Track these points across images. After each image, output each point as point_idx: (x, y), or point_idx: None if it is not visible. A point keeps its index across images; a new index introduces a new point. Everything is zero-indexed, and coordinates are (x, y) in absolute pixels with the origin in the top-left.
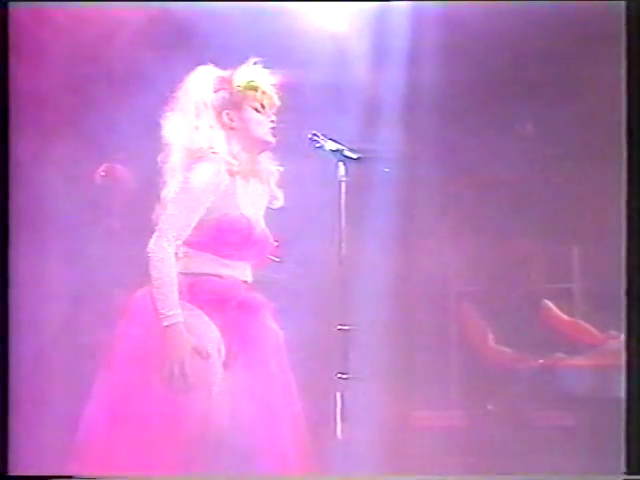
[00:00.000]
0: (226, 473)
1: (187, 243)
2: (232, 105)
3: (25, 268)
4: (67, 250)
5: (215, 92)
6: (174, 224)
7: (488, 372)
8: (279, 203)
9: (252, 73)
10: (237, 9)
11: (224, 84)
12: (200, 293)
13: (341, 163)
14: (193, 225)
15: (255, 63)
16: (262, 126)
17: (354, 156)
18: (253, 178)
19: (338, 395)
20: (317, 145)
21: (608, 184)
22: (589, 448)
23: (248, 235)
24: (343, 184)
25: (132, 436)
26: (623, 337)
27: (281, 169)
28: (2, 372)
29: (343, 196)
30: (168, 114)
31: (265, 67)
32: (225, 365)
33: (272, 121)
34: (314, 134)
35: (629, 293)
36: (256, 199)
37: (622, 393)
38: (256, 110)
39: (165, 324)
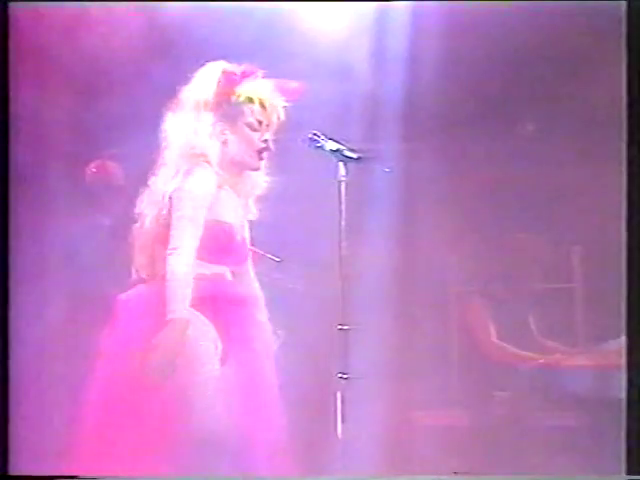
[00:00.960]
0: (226, 473)
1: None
2: (227, 119)
3: (25, 268)
4: (67, 249)
5: (216, 96)
6: (187, 239)
7: (488, 373)
8: (252, 217)
9: (254, 86)
10: (237, 9)
11: (226, 89)
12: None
13: (341, 163)
14: (201, 231)
15: (262, 75)
16: (251, 145)
17: (354, 156)
18: (235, 188)
19: (338, 395)
20: (317, 145)
21: (608, 184)
22: (589, 448)
23: (229, 242)
24: (343, 184)
25: (126, 435)
26: (624, 337)
27: (265, 184)
28: (2, 372)
29: (343, 196)
30: (170, 113)
31: (271, 79)
32: (221, 361)
33: (265, 140)
34: (314, 134)
35: (629, 293)
36: (238, 207)
37: (622, 393)
38: (250, 127)
39: (169, 317)
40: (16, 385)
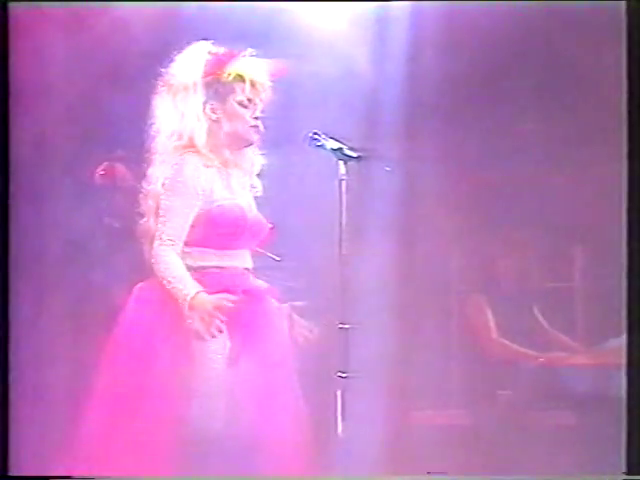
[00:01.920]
0: (226, 473)
1: (184, 241)
2: (217, 97)
3: (25, 267)
4: (68, 249)
5: (204, 77)
6: (171, 227)
7: (488, 371)
8: (258, 193)
9: (244, 64)
10: (237, 8)
11: (215, 69)
12: (203, 287)
13: (341, 162)
14: (190, 222)
15: (251, 55)
16: (244, 123)
17: (354, 155)
18: (235, 168)
19: (339, 393)
20: (317, 144)
21: (609, 183)
22: (589, 448)
23: (243, 221)
24: (343, 183)
25: (133, 434)
26: (624, 336)
27: (263, 161)
28: (2, 372)
29: (344, 195)
30: (158, 97)
31: (262, 59)
32: (230, 359)
33: (257, 117)
34: (314, 133)
35: (629, 292)
36: (242, 187)
37: (623, 392)
38: (241, 105)
39: (188, 298)
40: (16, 385)
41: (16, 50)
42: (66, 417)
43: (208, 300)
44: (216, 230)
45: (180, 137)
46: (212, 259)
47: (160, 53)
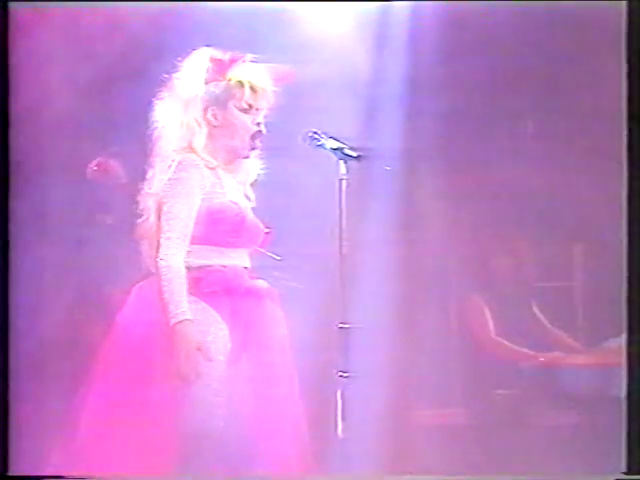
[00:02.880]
0: (226, 473)
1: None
2: (218, 103)
3: (25, 267)
4: (68, 249)
5: (206, 84)
6: (176, 227)
7: (488, 372)
8: (251, 204)
9: (244, 69)
10: (237, 8)
11: (216, 76)
12: (205, 286)
13: (341, 161)
14: (193, 223)
15: (252, 60)
16: (244, 128)
17: (355, 154)
18: (234, 173)
19: (339, 393)
20: (317, 143)
21: (609, 183)
22: (589, 448)
23: (241, 220)
24: (344, 182)
25: (132, 433)
26: (624, 337)
27: (260, 169)
28: (2, 372)
29: (344, 194)
30: (160, 101)
31: (264, 64)
32: (231, 358)
33: (258, 123)
34: (314, 132)
35: (629, 293)
36: (240, 190)
37: (622, 392)
38: (242, 110)
39: (173, 322)
40: (16, 385)
41: (16, 50)
42: (66, 417)
43: (192, 336)
44: (217, 227)
45: (181, 140)
46: (212, 257)
47: (160, 53)
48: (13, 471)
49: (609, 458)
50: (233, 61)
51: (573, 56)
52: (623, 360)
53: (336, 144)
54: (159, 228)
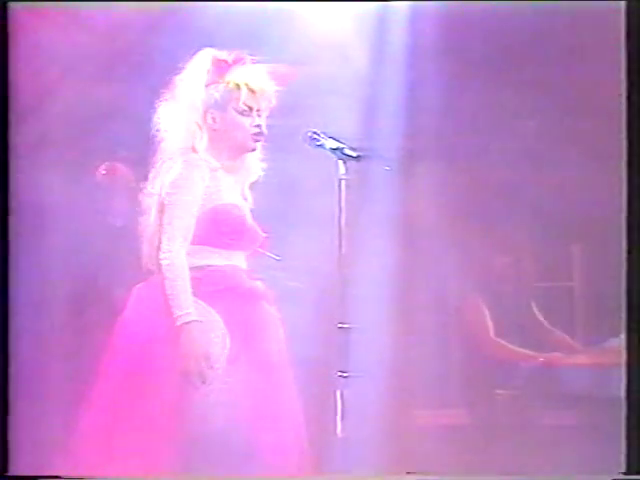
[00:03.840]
0: (225, 473)
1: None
2: (217, 105)
3: (25, 266)
4: (68, 249)
5: (207, 86)
6: (179, 226)
7: (487, 372)
8: (249, 204)
9: (243, 71)
10: (236, 8)
11: (216, 78)
12: (204, 285)
13: (341, 161)
14: (194, 223)
15: (252, 61)
16: (243, 130)
17: (354, 154)
18: (235, 175)
19: (338, 393)
20: (317, 143)
21: (608, 183)
22: (589, 448)
23: (242, 222)
24: (343, 182)
25: (132, 434)
26: (623, 337)
27: (261, 171)
28: (2, 372)
29: (343, 194)
30: (163, 102)
31: (264, 64)
32: (229, 359)
33: (258, 125)
34: (314, 132)
35: (629, 293)
36: (240, 192)
37: (622, 392)
38: (240, 112)
39: (179, 323)
40: (16, 385)
41: (16, 50)
42: (66, 417)
43: (200, 338)
44: (216, 228)
45: (183, 142)
46: (211, 258)
47: (160, 53)
48: (13, 471)
49: (609, 458)
50: (233, 63)
51: (573, 56)
52: (623, 360)
53: (336, 144)
54: (161, 227)
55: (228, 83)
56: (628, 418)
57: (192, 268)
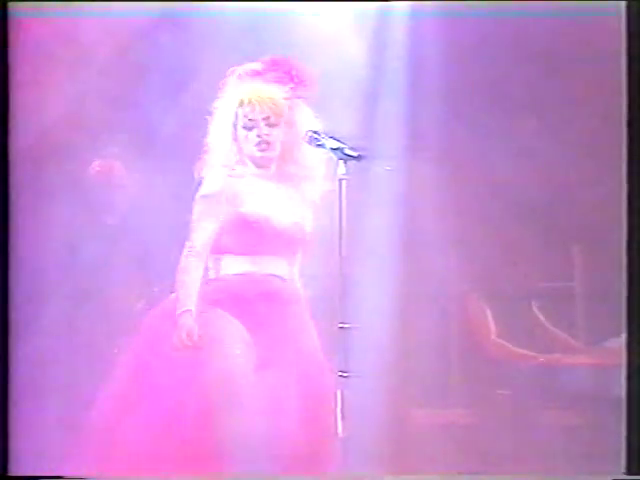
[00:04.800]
0: (225, 473)
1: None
2: (230, 120)
3: (25, 267)
4: (68, 249)
5: (228, 100)
6: (198, 238)
7: (488, 372)
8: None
9: (248, 85)
10: (236, 8)
11: (231, 93)
12: (230, 294)
13: (341, 161)
14: (214, 232)
15: (260, 72)
16: (249, 143)
17: (355, 154)
18: (268, 180)
19: (339, 393)
20: (318, 143)
21: (609, 183)
22: (589, 448)
23: (268, 229)
24: (344, 182)
25: (133, 438)
26: (624, 337)
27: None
28: (2, 372)
29: (344, 194)
30: (209, 119)
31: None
32: (257, 367)
33: (259, 135)
34: (314, 132)
35: (629, 293)
36: (274, 197)
37: (622, 392)
38: (245, 127)
39: (177, 313)
40: (16, 385)
41: (16, 50)
42: (66, 417)
43: (187, 324)
44: (240, 236)
45: (215, 158)
46: (239, 266)
47: (159, 53)
48: (13, 471)
49: (609, 458)
50: (243, 77)
51: (573, 56)
52: (623, 360)
53: (336, 144)
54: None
55: (237, 99)
56: (628, 418)
57: (218, 278)
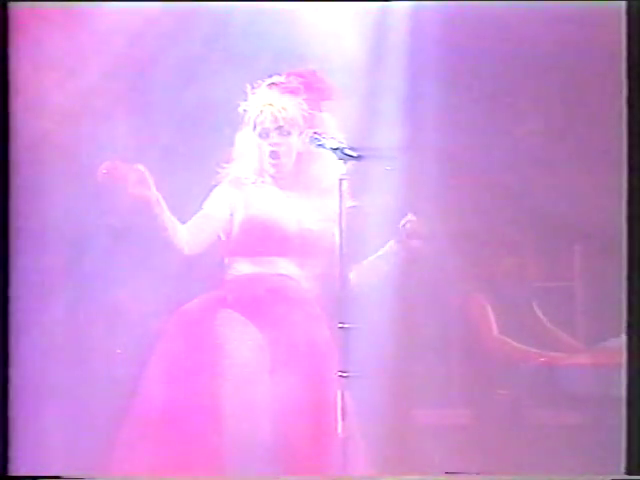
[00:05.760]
0: (225, 473)
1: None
2: (250, 129)
3: (26, 267)
4: (68, 248)
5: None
6: (199, 238)
7: (488, 372)
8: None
9: (265, 94)
10: (236, 8)
11: (247, 104)
12: (240, 295)
13: (341, 161)
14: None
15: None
16: (261, 151)
17: (355, 154)
18: (282, 189)
19: (339, 393)
20: (318, 143)
21: (609, 183)
22: (589, 448)
23: (278, 232)
24: (344, 182)
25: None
26: (624, 337)
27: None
28: (3, 372)
29: (344, 194)
30: (239, 131)
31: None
32: (271, 369)
33: (271, 144)
34: (314, 132)
35: (629, 293)
36: (287, 203)
37: (623, 392)
38: (260, 135)
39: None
40: (17, 385)
41: (16, 50)
42: (66, 417)
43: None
44: (252, 239)
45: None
46: (251, 267)
47: (159, 53)
48: (13, 471)
49: (609, 458)
50: (267, 86)
51: (573, 56)
52: (623, 360)
53: (336, 144)
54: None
55: (257, 108)
56: (628, 418)
57: (231, 279)
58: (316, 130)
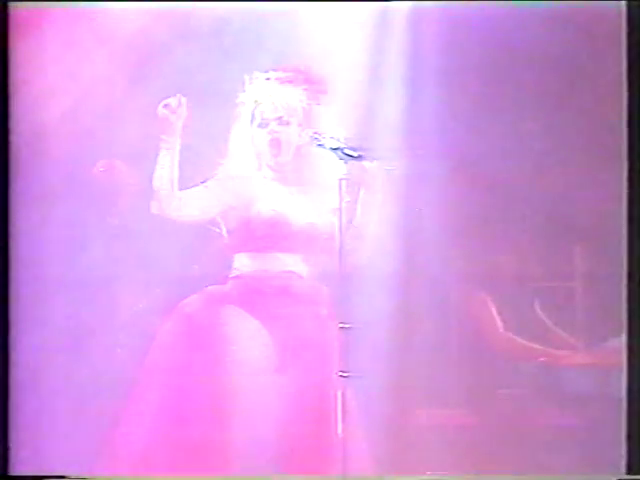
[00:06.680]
0: (225, 473)
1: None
2: (249, 121)
3: (26, 267)
4: (68, 248)
5: (242, 103)
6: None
7: (488, 372)
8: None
9: (262, 86)
10: (235, 8)
11: (249, 96)
12: (248, 291)
13: (342, 161)
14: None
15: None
16: (260, 141)
17: (355, 154)
18: (282, 182)
19: (339, 393)
20: (318, 143)
21: (609, 183)
22: (589, 448)
23: (283, 227)
24: (344, 182)
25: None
26: (624, 337)
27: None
28: (3, 372)
29: (344, 194)
30: (234, 124)
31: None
32: (278, 367)
33: (270, 132)
34: (315, 132)
35: (629, 293)
36: (288, 197)
37: (623, 393)
38: (259, 126)
39: None
40: (17, 385)
41: (16, 50)
42: (67, 418)
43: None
44: (256, 234)
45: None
46: (255, 263)
47: (158, 53)
48: (13, 471)
49: (609, 458)
50: (265, 79)
51: (573, 55)
52: (623, 360)
53: (336, 144)
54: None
55: (254, 100)
56: (628, 418)
57: (236, 275)
58: (316, 130)
